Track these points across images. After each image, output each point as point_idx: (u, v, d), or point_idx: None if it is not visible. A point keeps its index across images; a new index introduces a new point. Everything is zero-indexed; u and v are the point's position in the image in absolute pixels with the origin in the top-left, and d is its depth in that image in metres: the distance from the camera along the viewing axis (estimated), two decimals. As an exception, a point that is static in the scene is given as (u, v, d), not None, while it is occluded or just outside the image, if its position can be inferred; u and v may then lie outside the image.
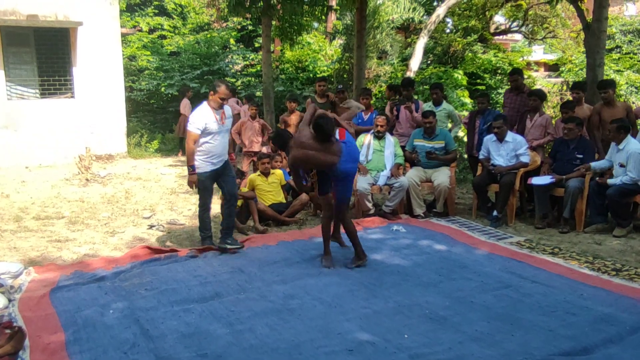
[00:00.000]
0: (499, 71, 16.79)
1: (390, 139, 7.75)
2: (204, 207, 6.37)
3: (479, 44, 18.74)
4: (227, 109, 6.17)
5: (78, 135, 12.53)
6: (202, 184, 6.20)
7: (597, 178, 6.93)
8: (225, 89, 5.96)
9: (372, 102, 9.43)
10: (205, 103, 6.01)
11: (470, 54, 16.88)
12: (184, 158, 13.80)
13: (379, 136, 7.71)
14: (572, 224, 7.06)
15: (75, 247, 6.74)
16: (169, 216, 8.16)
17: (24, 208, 8.65)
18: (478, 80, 16.29)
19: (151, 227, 7.55)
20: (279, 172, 7.88)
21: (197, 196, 9.34)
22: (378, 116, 7.79)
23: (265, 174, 7.73)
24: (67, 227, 7.57)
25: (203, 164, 6.08)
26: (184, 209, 8.62)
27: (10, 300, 4.96)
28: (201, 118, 5.88)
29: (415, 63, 15.33)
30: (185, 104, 14.14)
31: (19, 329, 4.17)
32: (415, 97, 9.34)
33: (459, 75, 13.65)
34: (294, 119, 9.18)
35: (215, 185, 6.46)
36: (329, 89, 9.23)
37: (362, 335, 4.21)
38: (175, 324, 4.46)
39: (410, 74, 14.74)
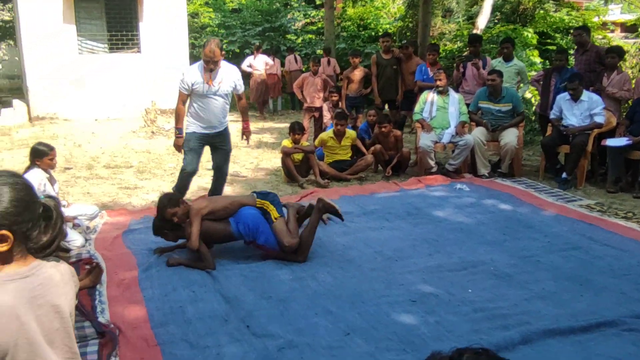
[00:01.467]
0: (571, 31, 16.12)
1: (454, 96, 7.58)
2: (185, 167, 5.81)
3: (550, 1, 17.98)
4: (226, 73, 5.56)
5: (144, 90, 12.79)
6: (187, 144, 5.73)
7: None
8: (210, 50, 5.28)
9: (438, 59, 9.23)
10: (200, 62, 5.50)
11: (541, 12, 16.20)
12: (250, 113, 13.90)
13: (442, 92, 7.54)
14: (647, 189, 6.79)
15: (144, 194, 6.96)
16: (231, 168, 8.23)
17: (95, 157, 8.96)
18: (548, 40, 15.72)
19: (216, 178, 7.69)
20: (352, 133, 7.77)
21: (259, 150, 9.56)
22: (437, 72, 7.60)
23: (339, 135, 7.65)
24: (136, 176, 7.81)
25: (191, 125, 5.68)
26: (246, 162, 8.73)
27: (86, 240, 5.19)
28: (189, 77, 5.44)
29: (482, 21, 14.88)
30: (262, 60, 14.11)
31: (97, 264, 4.34)
32: (483, 54, 9.08)
33: (529, 34, 13.16)
34: (357, 74, 9.10)
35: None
36: (392, 44, 9.05)
37: (425, 287, 4.21)
38: (240, 267, 4.58)
39: (477, 31, 14.31)
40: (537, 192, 6.81)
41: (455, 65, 8.38)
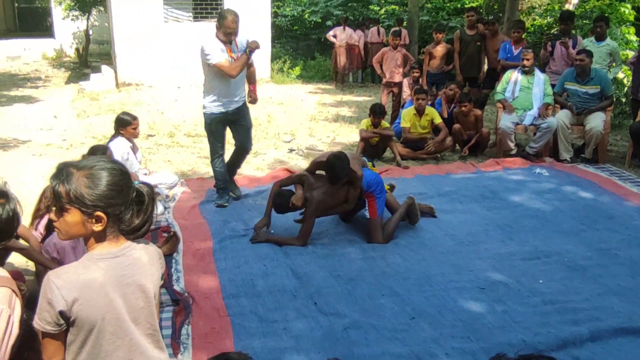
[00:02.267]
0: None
1: (540, 76, 7.29)
2: (214, 153, 5.50)
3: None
4: (240, 41, 5.21)
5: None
6: (208, 128, 5.44)
7: None
8: (233, 21, 4.95)
9: (524, 36, 8.89)
10: (214, 36, 5.08)
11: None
12: (329, 86, 14.01)
13: (527, 72, 7.27)
14: None
15: (222, 164, 7.14)
16: (308, 141, 8.37)
17: (177, 125, 9.26)
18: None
19: (291, 150, 7.80)
20: (432, 110, 7.59)
21: (336, 123, 9.59)
22: (525, 50, 7.31)
23: (420, 111, 7.51)
24: (214, 145, 8.01)
25: (210, 105, 5.31)
26: (323, 135, 8.79)
27: (165, 208, 5.42)
28: (213, 45, 5.01)
29: (576, -6, 14.14)
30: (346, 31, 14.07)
31: (174, 233, 4.56)
32: (574, 32, 8.69)
33: (626, 9, 12.40)
34: (439, 50, 8.90)
35: None
36: (478, 20, 8.77)
37: (494, 275, 4.16)
38: (312, 243, 4.66)
39: (570, 6, 13.62)
40: (621, 180, 6.51)
41: (543, 43, 8.02)
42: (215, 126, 5.40)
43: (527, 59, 7.23)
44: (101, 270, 1.73)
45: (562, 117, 7.13)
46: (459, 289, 3.95)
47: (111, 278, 1.74)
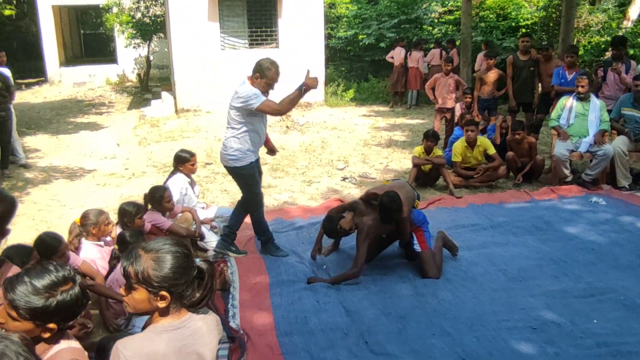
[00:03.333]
0: None
1: (595, 102, 7.18)
2: (258, 204, 5.18)
3: None
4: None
5: (281, 84, 13.24)
6: (250, 179, 5.05)
7: None
8: (277, 74, 4.76)
9: (581, 53, 8.76)
10: (248, 83, 4.76)
11: None
12: (382, 108, 14.12)
13: (583, 98, 7.18)
14: None
15: (276, 194, 7.33)
16: (361, 169, 8.47)
17: (233, 152, 9.51)
18: None
19: (344, 179, 7.92)
20: (484, 141, 7.54)
21: (389, 149, 9.66)
22: (580, 76, 7.21)
23: (471, 144, 7.45)
24: (270, 174, 8.22)
25: (246, 155, 4.92)
26: (376, 162, 8.87)
27: (221, 241, 5.60)
28: (256, 91, 4.69)
29: (634, 11, 13.83)
30: (400, 52, 14.20)
31: (222, 273, 4.73)
32: (632, 52, 8.51)
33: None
34: (491, 76, 8.88)
35: None
36: (532, 44, 8.72)
37: (547, 314, 4.14)
38: (364, 279, 4.74)
39: (628, 23, 13.34)
40: (683, 209, 6.35)
41: (594, 70, 7.92)
42: (255, 175, 5.10)
43: (582, 86, 7.13)
44: (163, 342, 1.90)
45: (619, 143, 7.01)
46: (510, 328, 3.95)
47: (173, 349, 1.90)
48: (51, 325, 1.91)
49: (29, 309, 1.88)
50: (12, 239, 2.39)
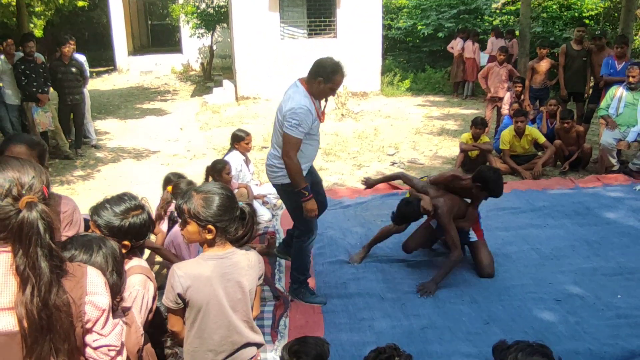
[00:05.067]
0: None
1: (646, 92, 7.24)
2: (311, 231, 4.27)
3: None
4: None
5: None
6: (299, 198, 4.05)
7: None
8: (343, 76, 3.93)
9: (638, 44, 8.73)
10: (303, 89, 3.91)
11: None
12: (438, 98, 14.31)
13: (633, 88, 7.23)
14: None
15: (327, 175, 7.71)
16: (411, 155, 8.75)
17: (289, 137, 9.94)
18: None
19: (393, 163, 8.23)
20: (533, 130, 7.70)
21: (440, 137, 9.89)
22: (631, 66, 7.25)
23: (519, 133, 7.64)
24: (322, 158, 8.60)
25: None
26: (426, 149, 9.13)
27: (273, 215, 6.04)
28: (307, 115, 3.82)
29: (702, 2, 13.42)
30: (458, 43, 14.35)
31: (273, 236, 5.16)
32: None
33: None
34: (543, 66, 8.97)
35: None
36: (586, 34, 8.78)
37: (573, 288, 4.37)
38: (401, 253, 5.05)
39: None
40: None
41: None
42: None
43: (633, 76, 7.19)
44: (209, 267, 2.35)
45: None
46: (535, 299, 4.21)
47: (216, 274, 2.35)
48: (126, 242, 2.38)
49: (109, 228, 2.37)
50: (83, 210, 2.90)
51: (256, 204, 5.83)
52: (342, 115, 11.73)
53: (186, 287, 2.30)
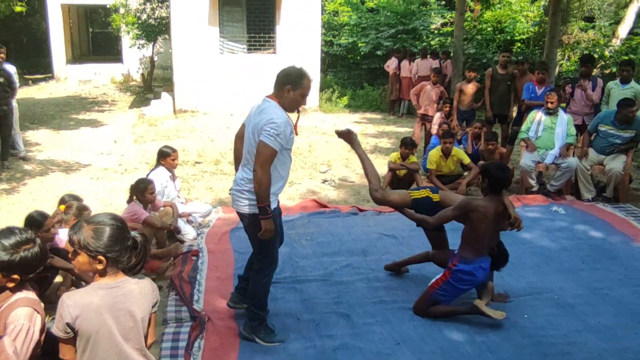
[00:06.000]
0: None
1: (563, 116, 7.57)
2: (273, 264, 4.10)
3: None
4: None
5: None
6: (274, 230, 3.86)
7: None
8: (310, 81, 3.88)
9: (572, 68, 9.14)
10: (275, 103, 3.78)
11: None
12: (375, 116, 14.55)
13: (551, 113, 7.57)
14: None
15: (257, 193, 7.72)
16: (343, 172, 8.88)
17: (224, 153, 9.94)
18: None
19: (324, 181, 8.34)
20: (459, 152, 7.91)
21: (373, 155, 9.99)
22: (549, 92, 7.60)
23: (446, 154, 7.84)
24: (254, 174, 8.62)
25: (273, 198, 3.82)
26: (358, 167, 9.25)
27: (198, 234, 6.03)
28: (286, 125, 3.68)
29: (624, 30, 14.22)
30: (393, 63, 14.67)
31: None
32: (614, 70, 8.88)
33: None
34: (470, 88, 9.29)
35: None
36: (511, 60, 9.15)
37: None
38: (321, 272, 5.15)
39: (617, 41, 13.73)
40: (636, 220, 6.71)
41: (562, 86, 8.34)
42: (278, 225, 3.99)
43: (552, 102, 7.52)
44: (99, 297, 2.38)
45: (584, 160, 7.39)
46: (446, 320, 4.35)
47: (105, 303, 2.38)
48: (15, 276, 2.37)
49: None
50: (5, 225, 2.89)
51: (181, 222, 5.82)
52: (279, 131, 11.77)
53: (75, 317, 2.32)
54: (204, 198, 7.39)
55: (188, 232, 5.84)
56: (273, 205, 3.80)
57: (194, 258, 5.39)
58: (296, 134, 3.88)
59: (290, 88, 3.77)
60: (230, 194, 4.02)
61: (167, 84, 18.10)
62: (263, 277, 4.02)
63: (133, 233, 2.48)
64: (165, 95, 14.53)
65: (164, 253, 5.34)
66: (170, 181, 6.02)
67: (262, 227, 3.75)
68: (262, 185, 3.64)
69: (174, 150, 6.09)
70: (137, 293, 2.45)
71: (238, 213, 3.98)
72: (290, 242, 5.88)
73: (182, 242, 5.80)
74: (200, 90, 13.74)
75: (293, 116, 3.90)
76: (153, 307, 2.54)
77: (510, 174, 4.40)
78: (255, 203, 3.73)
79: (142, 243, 2.49)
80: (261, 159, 3.62)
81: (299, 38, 14.04)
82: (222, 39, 13.75)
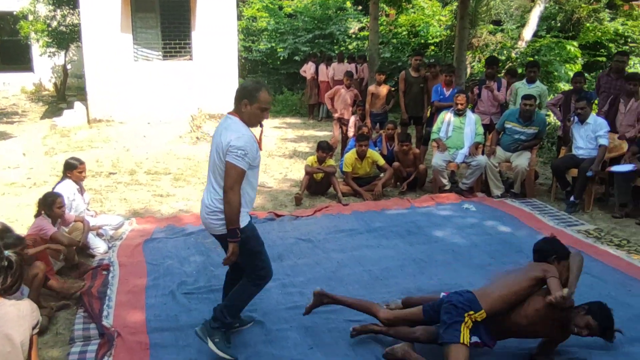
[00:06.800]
0: (629, 40, 15.94)
1: (471, 117, 7.86)
2: (267, 275, 4.01)
3: (606, 10, 17.64)
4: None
5: (194, 95, 13.54)
6: (255, 242, 3.90)
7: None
8: (268, 93, 3.76)
9: (481, 70, 9.46)
10: (237, 119, 3.72)
11: (590, 25, 15.99)
12: (294, 120, 14.57)
13: (460, 113, 7.83)
14: (652, 216, 6.88)
15: (174, 202, 7.61)
16: (261, 178, 8.81)
17: (139, 162, 9.72)
18: (601, 51, 15.53)
19: (242, 188, 8.26)
20: (373, 154, 8.03)
21: (291, 159, 10.08)
22: (458, 94, 7.88)
23: (361, 156, 7.95)
24: (171, 183, 8.48)
25: (244, 215, 3.80)
26: (276, 172, 9.28)
27: (109, 247, 5.85)
28: (251, 143, 3.65)
29: (528, 32, 14.89)
30: (310, 67, 14.72)
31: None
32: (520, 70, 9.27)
33: (572, 47, 13.12)
34: (382, 91, 9.48)
35: None
36: (423, 63, 9.41)
37: (396, 308, 4.61)
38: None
39: (522, 43, 14.35)
40: (541, 214, 7.04)
41: (470, 88, 8.66)
42: (259, 234, 3.98)
43: (461, 103, 7.79)
44: None
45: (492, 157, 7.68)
46: (360, 322, 4.35)
47: None
48: None
49: None
50: None
51: (91, 236, 5.63)
52: (197, 138, 11.65)
53: None
54: (118, 210, 7.19)
55: (98, 246, 5.65)
56: (244, 223, 3.76)
57: (105, 272, 5.23)
58: (260, 149, 3.80)
59: (247, 102, 3.69)
60: (201, 217, 3.91)
61: (82, 93, 17.45)
62: (255, 286, 3.98)
63: (7, 252, 2.37)
64: (78, 104, 14.03)
65: (61, 291, 4.79)
66: (78, 194, 5.81)
67: (230, 250, 3.70)
68: (232, 206, 3.61)
69: (82, 162, 5.88)
70: (14, 315, 2.33)
71: (215, 236, 3.92)
72: (206, 251, 5.81)
73: (93, 256, 5.61)
74: (115, 98, 13.35)
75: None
76: (34, 328, 2.43)
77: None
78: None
79: (18, 262, 2.38)
80: (231, 180, 3.59)
81: (216, 44, 13.90)
82: (136, 45, 13.43)
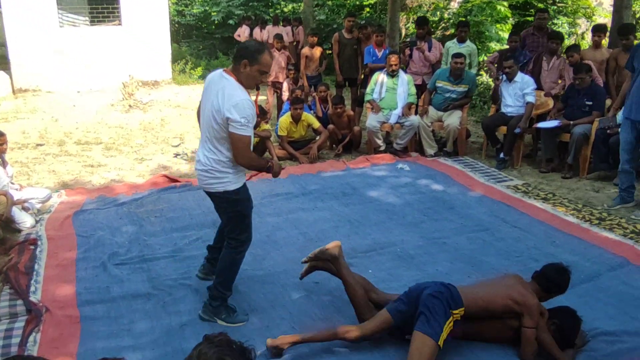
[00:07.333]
0: (557, 0, 16.28)
1: (404, 77, 7.92)
2: (246, 240, 4.03)
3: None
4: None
5: (125, 62, 13.11)
6: (247, 205, 3.98)
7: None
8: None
9: (411, 32, 9.50)
10: (233, 80, 3.55)
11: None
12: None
13: (393, 74, 7.88)
14: (576, 170, 7.14)
15: (105, 172, 7.40)
16: (196, 145, 8.69)
17: (69, 133, 9.38)
18: (531, 11, 15.80)
19: (176, 155, 8.13)
20: (308, 117, 8.02)
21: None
22: (390, 54, 7.92)
23: (296, 120, 7.94)
24: (102, 153, 8.24)
25: (237, 177, 3.80)
26: (209, 138, 9.12)
27: (37, 221, 5.66)
28: (252, 107, 3.54)
29: (460, -8, 15.00)
30: (245, 31, 14.40)
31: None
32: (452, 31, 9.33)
33: (503, 7, 13.34)
34: (316, 53, 9.42)
35: None
36: (356, 24, 9.37)
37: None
38: (170, 249, 5.05)
39: (455, 4, 14.48)
40: (472, 171, 7.22)
41: (401, 49, 8.71)
42: (251, 201, 4.06)
43: (395, 64, 7.82)
44: None
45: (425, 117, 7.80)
46: (296, 284, 4.38)
47: None
48: None
49: None
50: None
51: (16, 211, 5.42)
52: (130, 106, 11.33)
53: None
54: (46, 182, 6.94)
55: (24, 220, 5.45)
56: (239, 185, 3.81)
57: (32, 247, 5.06)
58: (257, 113, 3.77)
59: (247, 63, 3.53)
60: (196, 172, 3.89)
61: (5, 62, 16.68)
62: (237, 253, 3.97)
63: None
64: (1, 73, 13.36)
65: None
66: (1, 168, 5.57)
67: (273, 171, 3.95)
68: (251, 164, 3.79)
69: (2, 134, 5.63)
70: None
71: (207, 192, 3.90)
72: (139, 221, 5.71)
73: (19, 231, 5.42)
74: (41, 67, 12.77)
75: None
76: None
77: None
78: (225, 181, 3.72)
79: None
80: (240, 149, 3.58)
81: (146, 8, 13.43)
82: (60, 10, 12.82)
